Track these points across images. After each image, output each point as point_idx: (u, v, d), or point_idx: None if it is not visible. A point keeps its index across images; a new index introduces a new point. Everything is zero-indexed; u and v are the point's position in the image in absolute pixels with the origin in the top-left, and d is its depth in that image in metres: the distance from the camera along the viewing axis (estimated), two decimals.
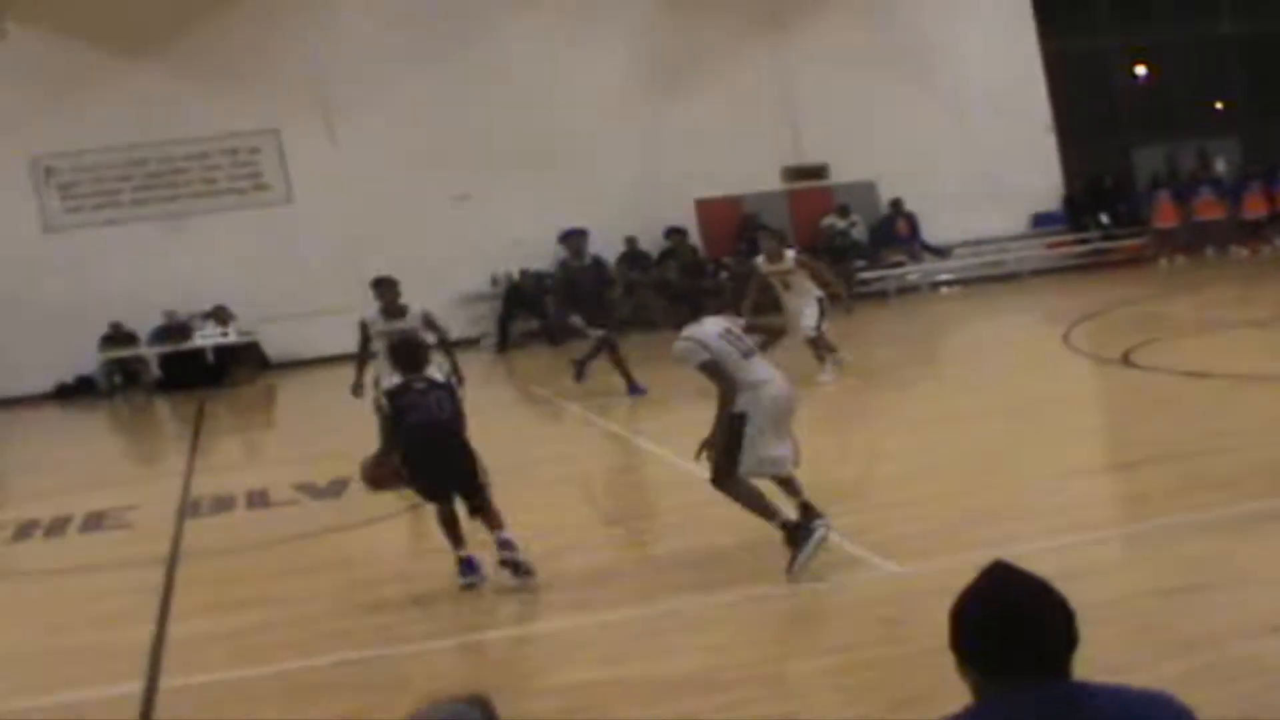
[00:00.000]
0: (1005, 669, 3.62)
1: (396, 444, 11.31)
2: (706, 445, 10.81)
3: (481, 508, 11.13)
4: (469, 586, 10.89)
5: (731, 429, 10.64)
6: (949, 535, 10.84)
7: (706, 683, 8.08)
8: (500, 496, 11.72)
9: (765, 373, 10.91)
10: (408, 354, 11.73)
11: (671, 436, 14.31)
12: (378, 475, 11.89)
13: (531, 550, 11.41)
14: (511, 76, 33.65)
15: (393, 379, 11.88)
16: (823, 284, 20.27)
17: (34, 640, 10.97)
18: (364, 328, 15.85)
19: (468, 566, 11.04)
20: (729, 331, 11.02)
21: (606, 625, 9.77)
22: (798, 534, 10.33)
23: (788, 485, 10.99)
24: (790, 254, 20.30)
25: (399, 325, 14.64)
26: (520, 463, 12.57)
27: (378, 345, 15.42)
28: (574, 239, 21.70)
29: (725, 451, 10.71)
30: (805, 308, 20.05)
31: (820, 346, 20.31)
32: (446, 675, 8.48)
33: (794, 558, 10.21)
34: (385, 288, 15.77)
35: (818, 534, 10.28)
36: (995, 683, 3.64)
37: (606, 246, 33.65)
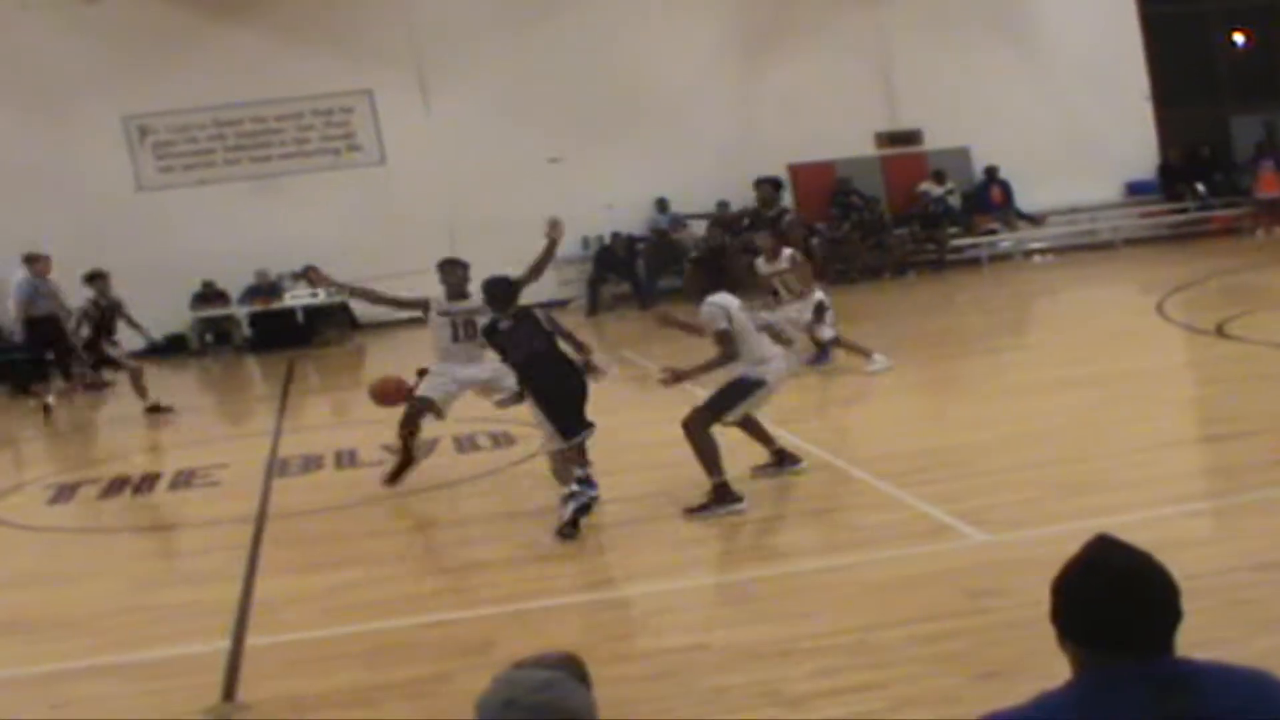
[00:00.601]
0: (1110, 644, 3.57)
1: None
2: (677, 378, 12.24)
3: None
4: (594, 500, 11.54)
5: (740, 389, 12.08)
6: (1038, 505, 10.77)
7: (791, 650, 8.05)
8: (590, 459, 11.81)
9: (771, 350, 12.39)
10: (500, 292, 12.23)
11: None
12: (384, 389, 12.52)
13: (618, 515, 11.46)
14: (605, 39, 33.56)
15: (444, 366, 13.28)
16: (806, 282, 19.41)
17: (122, 597, 11.03)
18: (425, 305, 14.40)
19: (588, 483, 11.59)
20: (748, 308, 12.46)
21: (692, 591, 9.76)
22: (728, 494, 11.68)
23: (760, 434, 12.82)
24: (787, 253, 19.56)
25: (463, 307, 14.25)
26: (609, 427, 12.52)
27: (439, 330, 14.12)
28: (764, 186, 21.26)
29: (719, 405, 12.06)
30: (809, 319, 19.21)
31: (846, 344, 19.40)
32: (531, 638, 8.45)
33: (707, 508, 11.63)
34: (450, 269, 14.39)
35: (741, 505, 11.64)
36: (1098, 658, 3.59)
37: (697, 209, 33.65)
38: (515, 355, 11.84)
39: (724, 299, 12.09)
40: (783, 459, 12.80)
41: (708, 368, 12.17)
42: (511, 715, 3.45)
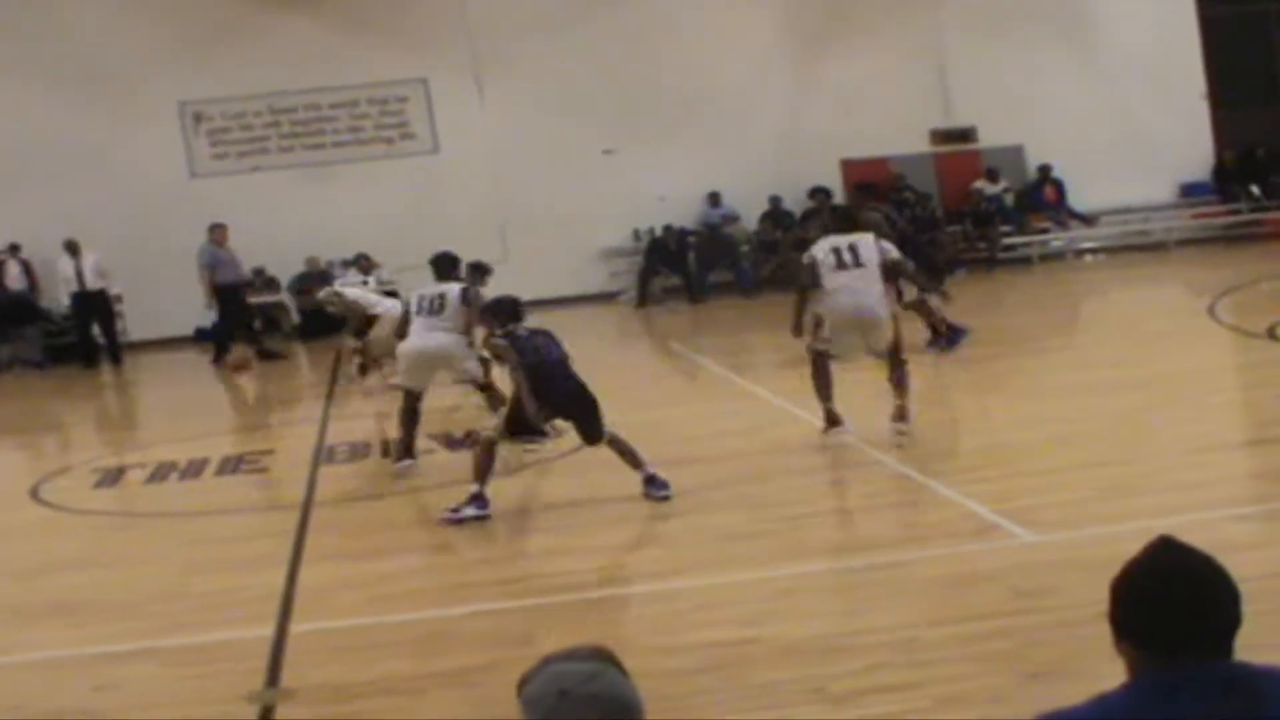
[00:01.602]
0: (1170, 646, 3.52)
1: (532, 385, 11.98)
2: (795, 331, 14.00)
3: (599, 439, 12.04)
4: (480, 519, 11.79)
5: (817, 321, 13.57)
6: (1085, 506, 10.71)
7: (838, 647, 8.03)
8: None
9: (843, 283, 13.36)
10: (508, 308, 12.50)
11: (810, 396, 14.20)
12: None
13: (667, 508, 11.44)
14: (661, 32, 33.45)
15: None
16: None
17: (168, 582, 11.06)
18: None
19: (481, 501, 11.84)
20: (849, 248, 13.56)
21: (740, 586, 9.73)
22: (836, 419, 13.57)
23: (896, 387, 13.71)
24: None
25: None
26: (654, 420, 12.52)
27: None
28: (859, 196, 21.16)
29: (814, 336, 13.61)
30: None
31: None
32: (578, 630, 8.44)
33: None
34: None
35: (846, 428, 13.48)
36: (1156, 659, 3.54)
37: (750, 205, 33.62)
38: (530, 358, 11.94)
39: (814, 246, 13.79)
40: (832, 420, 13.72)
41: (796, 306, 13.92)
42: (566, 706, 3.44)
